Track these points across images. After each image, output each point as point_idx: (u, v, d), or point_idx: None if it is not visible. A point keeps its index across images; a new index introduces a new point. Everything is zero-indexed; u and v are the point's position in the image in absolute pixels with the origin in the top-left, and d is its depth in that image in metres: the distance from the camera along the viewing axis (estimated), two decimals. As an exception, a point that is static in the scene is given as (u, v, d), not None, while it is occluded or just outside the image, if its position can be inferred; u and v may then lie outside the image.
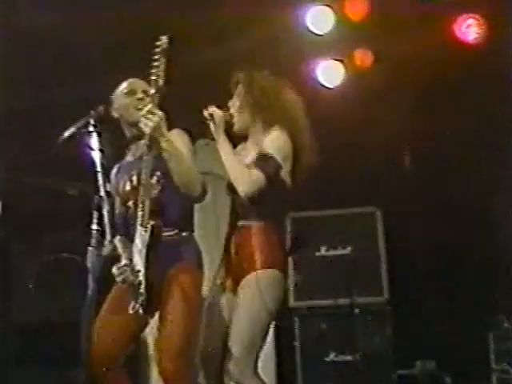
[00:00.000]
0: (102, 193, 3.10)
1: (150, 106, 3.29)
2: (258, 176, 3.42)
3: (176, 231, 3.49)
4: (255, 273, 3.35)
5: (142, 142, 3.50)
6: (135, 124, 3.52)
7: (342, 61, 6.39)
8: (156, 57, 3.34)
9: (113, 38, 5.24)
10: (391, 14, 5.93)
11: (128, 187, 3.60)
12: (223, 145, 3.54)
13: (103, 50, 5.34)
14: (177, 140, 3.45)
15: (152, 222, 3.28)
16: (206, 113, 3.58)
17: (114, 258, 3.28)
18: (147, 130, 3.25)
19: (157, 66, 3.32)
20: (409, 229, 5.80)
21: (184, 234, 3.52)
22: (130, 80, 3.77)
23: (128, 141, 3.77)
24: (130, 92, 3.70)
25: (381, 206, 5.95)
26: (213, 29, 5.71)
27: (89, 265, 2.98)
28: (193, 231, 3.60)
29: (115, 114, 3.70)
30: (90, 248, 3.00)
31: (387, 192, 6.00)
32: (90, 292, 2.95)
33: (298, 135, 3.70)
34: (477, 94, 5.77)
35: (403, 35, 5.89)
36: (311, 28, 6.22)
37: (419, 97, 6.00)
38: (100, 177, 3.19)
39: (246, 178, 3.43)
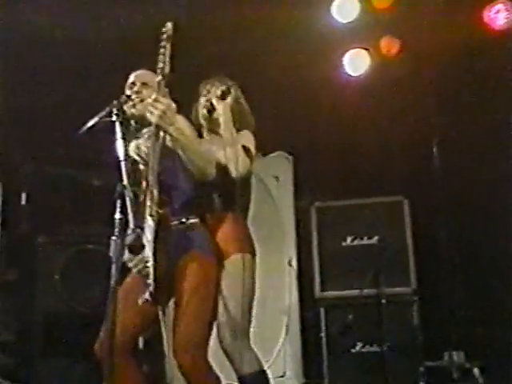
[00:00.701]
0: (125, 181, 3.09)
1: (154, 95, 3.26)
2: (247, 161, 3.58)
3: (184, 219, 3.44)
4: (240, 254, 3.54)
5: (145, 131, 3.56)
6: (135, 116, 3.57)
7: (367, 49, 6.35)
8: (162, 44, 3.33)
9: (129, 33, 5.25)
10: (417, 0, 5.90)
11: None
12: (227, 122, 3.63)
13: (121, 44, 5.35)
14: (183, 125, 3.46)
15: (159, 211, 3.24)
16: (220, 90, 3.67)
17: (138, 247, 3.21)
18: (153, 119, 3.22)
19: (162, 54, 3.30)
20: (436, 218, 5.71)
21: (192, 220, 3.47)
22: (137, 72, 3.75)
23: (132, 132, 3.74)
24: (131, 84, 3.69)
25: (408, 195, 5.86)
26: (238, 20, 5.70)
27: (111, 254, 2.93)
28: (201, 217, 3.55)
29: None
30: (113, 237, 2.97)
31: (414, 181, 5.93)
32: (112, 282, 2.91)
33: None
34: (505, 82, 5.69)
35: (430, 22, 5.84)
36: (336, 16, 6.19)
37: (446, 85, 5.93)
38: (123, 165, 3.18)
39: (240, 160, 3.51)
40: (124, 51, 5.32)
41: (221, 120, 3.66)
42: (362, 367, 5.62)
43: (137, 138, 3.60)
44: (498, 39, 5.80)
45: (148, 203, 3.24)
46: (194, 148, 3.36)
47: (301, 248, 5.83)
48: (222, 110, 3.66)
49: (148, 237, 3.26)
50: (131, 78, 3.71)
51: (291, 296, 5.70)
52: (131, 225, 3.14)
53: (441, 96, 5.94)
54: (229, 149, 3.52)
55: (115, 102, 3.42)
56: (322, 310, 5.78)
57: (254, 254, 3.67)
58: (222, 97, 3.67)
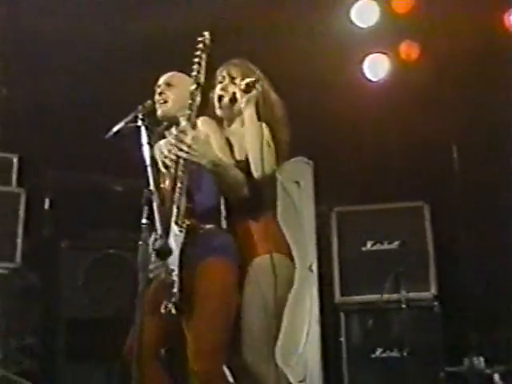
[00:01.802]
0: (152, 187, 3.10)
1: (184, 128, 3.28)
2: (272, 160, 3.44)
3: (203, 224, 3.37)
4: (267, 255, 3.35)
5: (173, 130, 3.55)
6: (163, 118, 3.59)
7: (386, 54, 6.35)
8: (197, 53, 3.34)
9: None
10: (437, 5, 5.89)
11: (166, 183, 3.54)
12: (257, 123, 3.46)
13: (150, 46, 5.37)
14: (207, 129, 3.45)
15: (187, 222, 3.24)
16: (245, 83, 3.48)
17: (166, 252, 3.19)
18: (189, 158, 3.24)
19: (198, 63, 3.32)
20: (457, 223, 5.70)
21: (209, 226, 3.39)
22: (168, 74, 3.75)
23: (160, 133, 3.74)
24: (157, 86, 3.69)
25: (429, 200, 5.86)
26: (258, 25, 5.72)
27: (139, 259, 2.94)
28: (219, 223, 3.48)
29: None
30: (140, 243, 2.97)
31: (435, 186, 5.92)
32: (140, 287, 2.92)
33: (277, 131, 3.55)
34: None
35: (449, 27, 5.83)
36: (356, 21, 6.20)
37: (466, 89, 5.92)
38: (149, 171, 3.20)
39: (271, 160, 3.41)
40: (152, 53, 5.34)
41: (245, 114, 3.47)
42: (382, 372, 5.63)
43: (164, 137, 3.59)
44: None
45: (175, 211, 3.24)
46: (229, 174, 3.34)
47: (321, 253, 5.82)
48: (245, 103, 3.46)
49: (173, 244, 3.25)
50: (159, 81, 3.71)
51: (312, 301, 5.69)
52: (159, 230, 3.15)
53: (461, 101, 5.92)
54: (253, 149, 3.38)
55: (140, 107, 3.45)
56: (342, 315, 5.79)
57: (289, 255, 3.51)
58: (247, 90, 3.45)
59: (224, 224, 3.47)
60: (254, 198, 3.45)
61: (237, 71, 3.58)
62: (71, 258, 5.24)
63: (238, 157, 3.49)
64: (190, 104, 3.32)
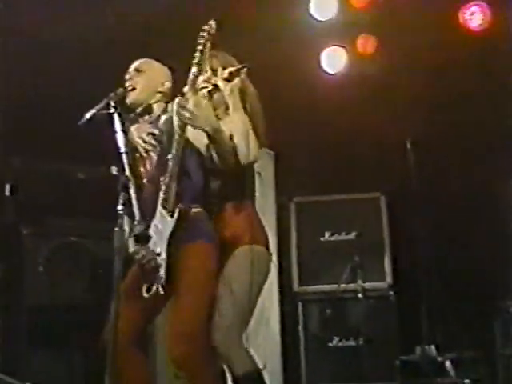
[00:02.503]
0: (128, 173, 3.10)
1: (191, 101, 3.31)
2: (257, 147, 3.48)
3: (187, 207, 3.38)
4: (248, 246, 3.41)
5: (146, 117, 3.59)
6: (133, 105, 3.60)
7: (344, 47, 6.42)
8: (201, 40, 3.35)
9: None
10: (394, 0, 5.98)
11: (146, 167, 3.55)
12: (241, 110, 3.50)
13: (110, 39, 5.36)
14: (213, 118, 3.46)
15: (180, 206, 3.26)
16: (228, 72, 3.50)
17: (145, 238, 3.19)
18: (195, 124, 3.28)
19: (201, 50, 3.34)
20: (412, 214, 5.80)
21: (195, 210, 3.40)
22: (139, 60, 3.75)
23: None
24: (128, 73, 3.69)
25: (385, 191, 5.97)
26: (216, 16, 5.71)
27: (115, 245, 2.95)
28: (203, 206, 3.48)
29: None
30: (116, 229, 2.98)
31: (391, 178, 6.02)
32: (116, 272, 2.92)
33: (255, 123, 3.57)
34: (480, 81, 5.80)
35: (406, 22, 5.93)
36: (314, 14, 6.25)
37: (421, 83, 6.02)
38: (124, 157, 3.20)
39: (256, 147, 3.45)
40: (117, 44, 5.33)
41: (229, 102, 3.48)
42: (339, 361, 5.73)
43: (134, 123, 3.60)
44: (473, 39, 5.93)
45: (162, 195, 3.26)
46: (225, 141, 3.36)
47: (280, 243, 5.88)
48: (229, 92, 3.46)
49: (158, 227, 3.27)
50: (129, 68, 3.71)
51: (271, 290, 5.74)
52: (137, 216, 3.15)
53: (415, 94, 6.02)
54: (240, 134, 3.40)
55: (112, 94, 3.44)
56: (300, 304, 5.87)
57: (267, 247, 3.55)
58: (230, 78, 3.47)
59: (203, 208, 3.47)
60: (237, 186, 3.50)
61: (217, 63, 3.59)
62: (32, 244, 5.16)
63: None
64: (194, 76, 3.36)
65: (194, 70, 3.35)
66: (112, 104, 3.38)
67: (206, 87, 3.55)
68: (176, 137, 3.32)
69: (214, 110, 3.60)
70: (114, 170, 3.38)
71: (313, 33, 6.26)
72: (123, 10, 5.38)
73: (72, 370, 5.11)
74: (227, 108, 3.56)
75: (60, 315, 5.10)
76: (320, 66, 6.45)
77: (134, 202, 3.13)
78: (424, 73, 5.98)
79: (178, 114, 3.28)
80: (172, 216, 3.25)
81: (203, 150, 3.53)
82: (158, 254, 3.26)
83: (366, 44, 6.34)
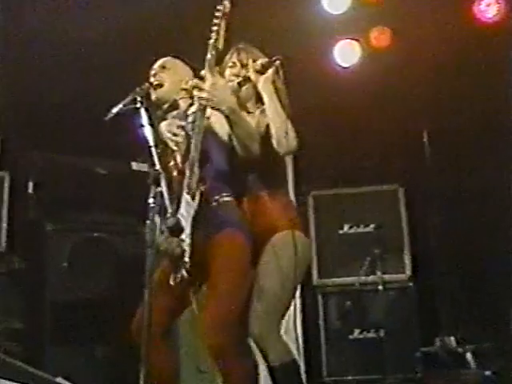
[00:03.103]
0: (158, 166, 3.11)
1: (210, 79, 3.30)
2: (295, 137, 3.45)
3: (217, 196, 3.39)
4: (287, 231, 3.39)
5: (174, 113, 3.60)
6: (158, 101, 3.62)
7: (358, 40, 6.42)
8: (216, 21, 3.36)
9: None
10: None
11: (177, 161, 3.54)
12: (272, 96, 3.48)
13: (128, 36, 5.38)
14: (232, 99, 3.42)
15: (201, 188, 3.25)
16: (260, 63, 3.50)
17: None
18: (214, 105, 3.27)
19: (216, 31, 3.34)
20: (431, 206, 5.82)
21: (225, 198, 3.42)
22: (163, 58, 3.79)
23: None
24: (152, 70, 3.72)
25: (403, 183, 5.97)
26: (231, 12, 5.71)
27: (147, 238, 2.95)
28: (234, 196, 3.48)
29: None
30: (148, 222, 2.98)
31: (409, 170, 6.03)
32: (148, 265, 2.93)
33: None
34: (495, 73, 5.79)
35: (420, 14, 5.92)
36: (327, 8, 6.25)
37: (436, 75, 6.02)
38: (154, 151, 3.21)
39: (290, 136, 3.41)
40: (134, 42, 5.35)
41: (264, 93, 3.45)
42: (360, 353, 5.73)
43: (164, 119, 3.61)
44: (488, 31, 5.92)
45: (186, 181, 3.24)
46: (243, 124, 3.35)
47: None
48: (263, 83, 3.45)
49: (184, 214, 3.25)
50: (154, 65, 3.74)
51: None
52: (169, 209, 3.16)
53: (431, 86, 6.02)
54: (277, 123, 3.37)
55: (138, 89, 3.45)
56: (320, 297, 5.88)
57: (305, 232, 3.54)
58: (262, 70, 3.47)
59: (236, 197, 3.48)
60: (270, 175, 3.49)
61: (247, 56, 3.61)
62: (56, 241, 5.20)
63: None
64: (212, 56, 3.35)
65: (210, 50, 3.34)
66: (138, 98, 3.38)
67: (238, 79, 3.54)
68: (196, 122, 3.33)
69: (244, 103, 3.60)
70: (135, 166, 3.40)
71: (326, 27, 6.25)
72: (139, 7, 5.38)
73: (95, 364, 5.14)
74: (257, 101, 3.57)
75: (83, 310, 5.15)
76: (334, 60, 6.44)
77: (166, 194, 3.14)
78: (439, 65, 5.98)
79: (195, 95, 3.29)
80: (194, 199, 3.24)
81: (226, 138, 3.51)
82: (183, 241, 3.25)
83: (379, 37, 6.33)
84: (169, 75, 3.67)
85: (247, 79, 3.52)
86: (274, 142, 3.39)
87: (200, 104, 3.31)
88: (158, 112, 3.62)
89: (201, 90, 3.28)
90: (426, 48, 5.95)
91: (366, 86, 6.16)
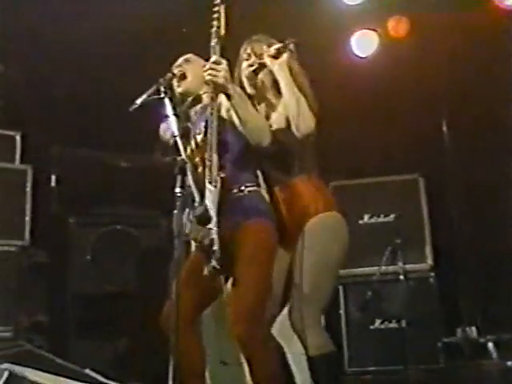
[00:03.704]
0: (184, 156, 3.12)
1: (214, 57, 3.33)
2: (313, 118, 3.46)
3: (242, 187, 3.41)
4: (323, 214, 3.43)
5: (198, 107, 3.64)
6: (181, 94, 3.63)
7: (375, 30, 6.40)
8: (216, 9, 3.38)
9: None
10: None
11: (193, 147, 3.55)
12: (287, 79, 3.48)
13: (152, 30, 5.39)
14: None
15: (222, 175, 3.25)
16: (274, 48, 3.50)
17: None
18: (217, 80, 3.26)
19: (217, 18, 3.37)
20: (451, 195, 5.81)
21: (250, 188, 3.44)
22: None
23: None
24: (175, 63, 3.75)
25: (423, 173, 5.95)
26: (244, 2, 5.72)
27: (174, 228, 2.96)
28: (259, 185, 3.52)
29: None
30: (175, 211, 2.99)
31: (429, 159, 6.00)
32: (176, 254, 2.93)
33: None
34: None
35: (438, 2, 5.89)
36: (344, -2, 6.23)
37: (455, 64, 5.99)
38: (179, 141, 3.21)
39: (311, 119, 3.43)
40: (155, 38, 5.35)
41: (279, 77, 3.47)
42: (381, 343, 5.71)
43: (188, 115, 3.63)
44: (507, 19, 5.88)
45: (207, 171, 3.25)
46: (249, 109, 3.38)
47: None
48: (278, 67, 3.46)
49: (209, 204, 3.26)
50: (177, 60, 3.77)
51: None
52: (197, 198, 3.16)
53: (449, 75, 6.00)
54: (293, 107, 3.39)
55: (162, 80, 3.47)
56: (341, 288, 5.87)
57: (342, 212, 3.54)
58: (277, 55, 3.47)
59: (263, 185, 3.52)
60: (300, 159, 3.51)
61: (260, 46, 3.62)
62: (79, 234, 5.26)
63: (276, 125, 3.53)
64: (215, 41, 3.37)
65: (213, 37, 3.37)
66: (162, 89, 3.39)
67: (252, 67, 3.57)
68: (210, 109, 3.34)
69: (264, 94, 3.63)
70: (158, 158, 3.40)
71: (343, 17, 6.24)
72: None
73: (119, 356, 5.18)
74: (278, 92, 3.57)
75: (107, 302, 5.18)
76: (351, 51, 6.43)
77: (192, 184, 3.14)
78: (457, 54, 5.95)
79: (211, 71, 3.29)
80: (215, 186, 3.24)
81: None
82: (210, 229, 3.24)
83: (397, 26, 6.32)
84: (192, 68, 3.70)
85: (262, 66, 3.54)
86: (292, 125, 3.40)
87: (207, 84, 3.33)
88: (181, 106, 3.63)
89: (219, 63, 3.31)
90: (444, 37, 5.91)
91: (384, 76, 6.15)
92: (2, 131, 5.23)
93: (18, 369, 3.25)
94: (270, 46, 3.56)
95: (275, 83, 3.58)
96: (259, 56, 3.59)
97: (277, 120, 3.56)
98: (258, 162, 3.53)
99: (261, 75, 3.59)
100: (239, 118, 3.34)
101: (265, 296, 3.33)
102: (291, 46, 3.52)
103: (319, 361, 3.34)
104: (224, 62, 3.31)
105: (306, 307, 3.34)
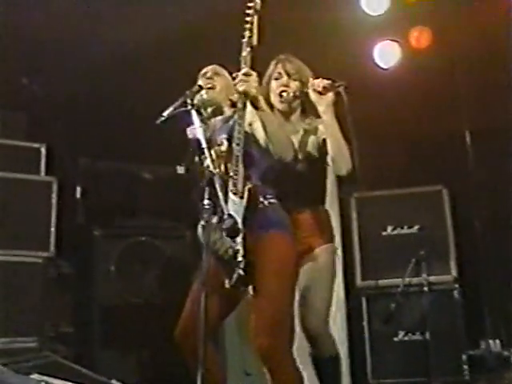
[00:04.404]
0: (212, 167, 3.12)
1: (245, 68, 3.35)
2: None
3: (263, 198, 3.41)
4: (330, 244, 3.78)
5: (219, 118, 3.67)
6: (206, 104, 3.66)
7: (397, 41, 6.40)
8: (248, 18, 3.39)
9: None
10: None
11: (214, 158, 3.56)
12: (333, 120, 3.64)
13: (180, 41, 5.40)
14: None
15: (248, 186, 3.26)
16: (322, 85, 3.61)
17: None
18: (250, 90, 3.30)
19: (249, 27, 3.38)
20: (475, 206, 5.78)
21: (271, 200, 3.44)
22: (209, 66, 3.85)
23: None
24: (202, 74, 3.77)
25: (447, 184, 5.92)
26: (267, 13, 5.72)
27: (203, 239, 2.97)
28: (279, 198, 3.52)
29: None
30: (203, 223, 3.00)
31: (453, 170, 5.98)
32: (204, 266, 2.94)
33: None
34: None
35: (461, 13, 5.88)
36: (366, 9, 6.23)
37: (478, 75, 5.97)
38: (207, 152, 3.22)
39: (348, 158, 3.67)
40: (183, 48, 5.38)
41: (325, 116, 3.63)
42: (405, 355, 5.67)
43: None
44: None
45: (231, 182, 3.26)
46: (274, 123, 3.41)
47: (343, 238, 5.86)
48: (326, 106, 3.62)
49: (233, 215, 3.26)
50: (203, 70, 3.80)
51: (338, 285, 5.73)
52: (225, 210, 3.16)
53: (472, 86, 5.98)
54: (335, 146, 3.62)
55: (188, 92, 3.48)
56: (364, 300, 5.85)
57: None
58: (324, 92, 3.62)
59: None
60: (315, 189, 3.79)
61: (293, 68, 3.77)
62: (103, 245, 5.29)
63: (308, 149, 3.72)
64: (247, 51, 3.39)
65: (245, 47, 3.38)
66: (189, 101, 3.41)
67: (285, 91, 3.71)
68: (238, 120, 3.36)
69: (288, 115, 3.77)
70: (180, 170, 3.41)
71: (365, 28, 6.24)
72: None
73: (143, 367, 5.19)
74: (303, 116, 3.78)
75: (131, 313, 5.21)
76: (374, 62, 6.43)
77: (221, 195, 3.14)
78: (480, 64, 5.93)
79: (242, 79, 3.33)
80: (242, 197, 3.25)
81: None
82: (234, 241, 3.26)
83: (419, 37, 6.31)
84: (221, 80, 3.74)
85: (305, 94, 3.68)
86: (330, 161, 3.68)
87: (239, 93, 3.35)
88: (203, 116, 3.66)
89: (250, 74, 3.35)
90: (467, 47, 5.90)
91: (407, 87, 6.14)
92: (27, 144, 5.28)
93: (47, 379, 3.27)
94: (299, 74, 3.73)
95: (302, 110, 3.79)
96: (290, 76, 3.74)
97: (311, 145, 3.73)
98: (277, 177, 3.55)
99: (297, 101, 3.74)
100: (265, 129, 3.36)
101: (287, 308, 3.37)
102: (341, 89, 3.64)
103: (327, 361, 3.72)
104: (254, 73, 3.34)
105: (319, 317, 3.70)
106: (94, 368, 4.70)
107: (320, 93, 3.61)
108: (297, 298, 3.61)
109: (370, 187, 6.04)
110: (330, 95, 3.62)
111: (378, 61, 6.45)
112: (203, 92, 3.61)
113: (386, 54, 6.43)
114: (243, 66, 3.37)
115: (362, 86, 6.18)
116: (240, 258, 3.22)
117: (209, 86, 3.64)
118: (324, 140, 3.73)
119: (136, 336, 5.19)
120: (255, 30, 3.38)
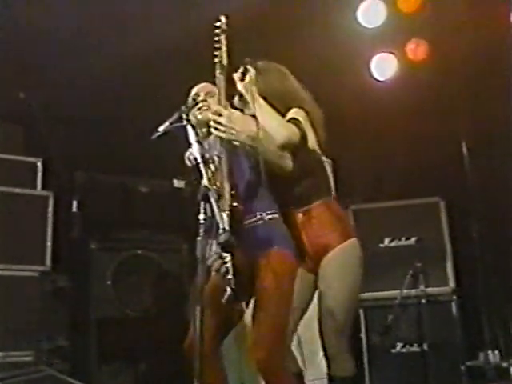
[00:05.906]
0: (206, 183, 3.13)
1: (215, 107, 3.40)
2: (294, 129, 3.46)
3: (260, 216, 3.43)
4: (346, 243, 3.51)
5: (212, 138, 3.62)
6: (201, 124, 3.65)
7: (394, 53, 6.42)
8: (217, 38, 3.40)
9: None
10: (443, 3, 5.95)
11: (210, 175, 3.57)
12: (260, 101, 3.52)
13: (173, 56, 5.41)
14: (250, 125, 3.47)
15: (233, 204, 3.25)
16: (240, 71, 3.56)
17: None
18: (225, 136, 3.32)
19: (219, 48, 3.39)
20: (472, 218, 5.77)
21: (269, 217, 3.45)
22: (200, 84, 3.85)
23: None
24: (195, 95, 3.75)
25: (444, 196, 5.93)
26: (267, 24, 5.74)
27: (198, 254, 2.97)
28: (280, 213, 3.52)
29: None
30: (199, 238, 3.00)
31: (449, 182, 5.98)
32: (199, 280, 2.95)
33: (311, 113, 3.65)
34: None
35: (457, 25, 5.90)
36: (362, 22, 6.26)
37: (474, 87, 5.98)
38: (202, 167, 3.22)
39: (284, 128, 3.44)
40: (176, 64, 5.39)
41: (248, 98, 3.52)
42: (403, 367, 5.68)
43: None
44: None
45: (221, 200, 3.24)
46: (268, 148, 3.40)
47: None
48: (243, 89, 3.54)
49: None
50: (194, 90, 3.81)
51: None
52: (221, 224, 3.16)
53: (469, 98, 5.98)
54: (266, 121, 3.42)
55: (184, 107, 3.48)
56: (362, 311, 5.84)
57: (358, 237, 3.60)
58: (243, 78, 3.54)
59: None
60: (314, 182, 3.58)
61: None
62: (100, 259, 5.28)
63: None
64: (218, 88, 3.41)
65: (217, 69, 3.40)
66: (184, 116, 3.41)
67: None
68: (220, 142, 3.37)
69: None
70: (177, 183, 3.42)
71: (362, 40, 6.26)
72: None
73: (140, 381, 5.18)
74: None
75: (128, 327, 5.20)
76: (370, 74, 6.45)
77: (216, 210, 3.14)
78: (477, 76, 5.94)
79: (214, 129, 3.35)
80: (228, 215, 3.23)
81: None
82: (225, 258, 3.25)
83: (416, 49, 6.34)
84: (213, 101, 3.70)
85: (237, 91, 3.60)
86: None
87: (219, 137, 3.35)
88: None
89: (218, 123, 3.34)
90: (464, 59, 5.91)
91: (403, 99, 6.15)
92: (24, 158, 5.29)
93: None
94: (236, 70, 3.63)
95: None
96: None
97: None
98: (276, 186, 3.54)
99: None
100: (265, 158, 3.36)
101: (285, 323, 3.37)
102: (247, 66, 3.56)
103: (342, 382, 3.46)
104: (225, 112, 3.34)
105: (340, 333, 3.46)
106: (90, 382, 4.72)
107: (241, 80, 3.55)
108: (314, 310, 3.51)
109: (368, 199, 6.06)
110: (247, 76, 3.54)
111: (374, 73, 6.47)
112: (197, 113, 3.62)
113: (383, 67, 6.46)
114: (217, 86, 3.41)
115: (359, 98, 6.25)
116: (230, 276, 3.22)
117: (205, 108, 3.64)
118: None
119: (132, 349, 5.17)
120: (224, 52, 3.38)
